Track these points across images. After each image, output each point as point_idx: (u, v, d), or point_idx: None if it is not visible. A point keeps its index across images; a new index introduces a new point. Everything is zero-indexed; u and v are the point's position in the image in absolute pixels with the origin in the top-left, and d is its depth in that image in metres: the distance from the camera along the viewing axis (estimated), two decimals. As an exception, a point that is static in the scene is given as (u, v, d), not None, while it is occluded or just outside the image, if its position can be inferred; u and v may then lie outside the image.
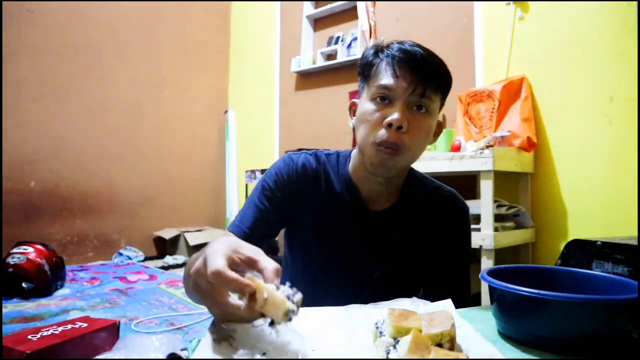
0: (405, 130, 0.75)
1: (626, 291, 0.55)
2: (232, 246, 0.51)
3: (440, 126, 0.86)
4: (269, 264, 0.50)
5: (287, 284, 0.51)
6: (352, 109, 0.87)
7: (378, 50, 0.81)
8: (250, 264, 0.51)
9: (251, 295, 0.47)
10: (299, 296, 0.49)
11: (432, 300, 0.82)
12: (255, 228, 0.82)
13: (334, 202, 0.86)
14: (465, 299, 0.91)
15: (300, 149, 1.02)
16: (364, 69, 0.83)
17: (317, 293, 0.75)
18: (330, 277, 0.88)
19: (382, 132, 0.75)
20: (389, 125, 0.74)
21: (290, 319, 0.48)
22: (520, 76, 2.07)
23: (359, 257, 0.87)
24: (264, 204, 0.85)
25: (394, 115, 0.74)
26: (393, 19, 2.78)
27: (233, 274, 0.46)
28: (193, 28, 3.97)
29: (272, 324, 0.49)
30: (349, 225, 0.86)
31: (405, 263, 0.88)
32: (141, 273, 2.96)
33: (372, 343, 0.54)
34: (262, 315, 0.48)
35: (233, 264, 0.49)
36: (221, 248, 0.50)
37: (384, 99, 0.77)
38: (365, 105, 0.80)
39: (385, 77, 0.77)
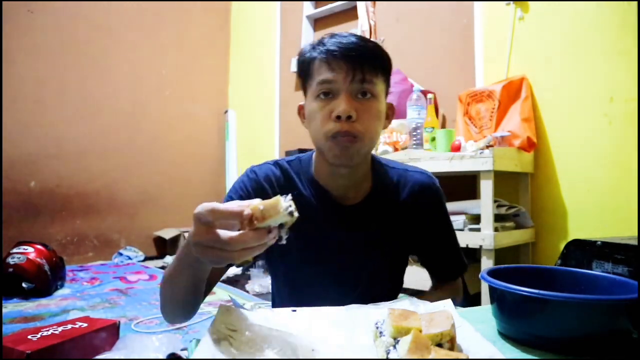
0: (355, 118, 0.76)
1: (626, 291, 0.55)
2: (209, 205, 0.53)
3: (392, 109, 0.87)
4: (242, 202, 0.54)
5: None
6: (301, 111, 0.87)
7: (312, 48, 0.82)
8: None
9: (250, 221, 0.50)
10: (288, 196, 0.53)
11: (436, 276, 0.95)
12: None
13: (304, 207, 0.78)
14: (462, 264, 0.95)
15: (300, 150, 1.03)
16: (302, 70, 0.83)
17: (306, 301, 0.76)
18: (316, 282, 0.87)
19: (333, 125, 0.76)
20: (338, 117, 0.75)
21: (292, 214, 0.52)
22: (520, 76, 2.07)
23: (341, 254, 0.86)
24: None
25: (341, 107, 0.75)
26: (393, 19, 2.78)
27: (226, 206, 0.51)
28: (193, 28, 3.97)
29: (281, 227, 0.53)
30: (324, 226, 0.85)
31: (390, 250, 0.89)
32: (141, 273, 2.96)
33: (372, 343, 0.54)
34: (269, 232, 0.52)
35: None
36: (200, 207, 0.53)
37: (327, 93, 0.78)
38: (312, 104, 0.80)
39: (324, 72, 0.78)
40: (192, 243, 0.54)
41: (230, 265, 0.78)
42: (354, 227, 0.86)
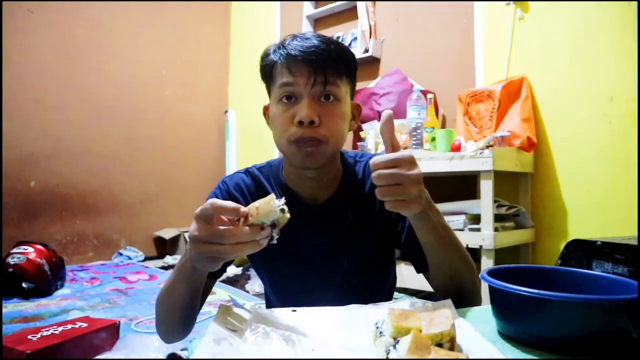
0: (318, 123, 0.74)
1: (626, 291, 0.55)
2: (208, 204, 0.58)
3: (359, 108, 0.86)
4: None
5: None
6: (266, 113, 0.87)
7: (273, 50, 0.80)
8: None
9: (245, 219, 0.56)
10: (282, 198, 0.59)
11: (418, 266, 0.84)
12: None
13: None
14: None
15: None
16: (264, 73, 0.83)
17: (291, 300, 0.80)
18: (297, 282, 0.87)
19: (295, 130, 0.75)
20: (301, 122, 0.74)
21: (284, 211, 0.57)
22: (520, 76, 2.07)
23: (316, 253, 0.86)
24: None
25: (303, 112, 0.73)
26: (393, 19, 2.78)
27: (225, 202, 0.57)
28: (193, 28, 3.97)
29: (274, 226, 0.58)
30: (297, 228, 0.78)
31: (365, 243, 0.86)
32: (141, 273, 2.96)
33: (372, 343, 0.54)
34: (262, 229, 0.57)
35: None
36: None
37: (290, 97, 0.76)
38: (274, 108, 0.79)
39: (284, 76, 0.76)
40: (190, 240, 0.59)
41: (223, 272, 0.84)
42: (324, 225, 0.85)
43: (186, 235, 3.51)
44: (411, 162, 0.61)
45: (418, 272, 0.86)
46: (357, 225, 0.86)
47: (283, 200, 0.58)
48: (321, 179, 0.83)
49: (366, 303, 0.67)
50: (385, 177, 0.60)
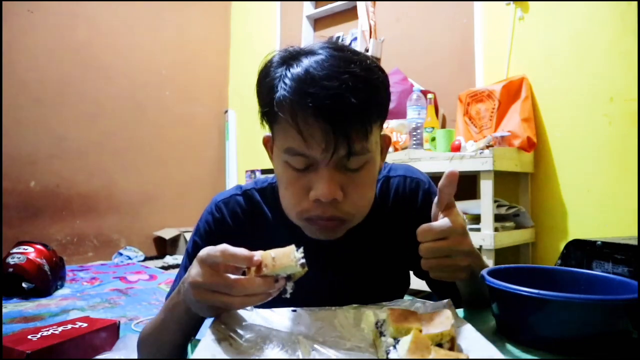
0: (342, 198, 0.59)
1: (626, 291, 0.55)
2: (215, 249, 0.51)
3: (388, 140, 0.70)
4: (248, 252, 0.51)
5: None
6: (268, 145, 0.71)
7: (277, 76, 0.58)
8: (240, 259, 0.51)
9: (258, 268, 0.50)
10: (301, 248, 0.51)
11: (437, 289, 0.79)
12: None
13: (278, 245, 0.60)
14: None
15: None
16: (264, 99, 0.61)
17: None
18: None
19: (312, 206, 0.59)
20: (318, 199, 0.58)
21: (303, 265, 0.50)
22: (520, 76, 2.07)
23: (324, 293, 0.71)
24: None
25: (319, 190, 0.57)
26: (393, 19, 2.78)
27: (237, 249, 0.50)
28: (193, 28, 3.97)
29: (289, 279, 0.52)
30: (310, 266, 0.61)
31: (381, 276, 0.77)
32: (141, 273, 2.96)
33: (372, 343, 0.54)
34: (276, 281, 0.51)
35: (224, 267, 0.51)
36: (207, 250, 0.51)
37: (301, 165, 0.59)
38: (280, 168, 0.62)
39: (294, 139, 0.56)
40: (191, 286, 0.51)
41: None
42: (334, 264, 0.74)
43: (186, 235, 3.52)
44: (462, 233, 0.55)
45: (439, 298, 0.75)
46: (373, 257, 0.75)
47: (302, 252, 0.50)
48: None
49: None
50: (434, 250, 0.54)
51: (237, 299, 0.50)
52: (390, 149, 2.16)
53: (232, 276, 0.50)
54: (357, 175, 0.60)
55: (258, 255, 0.50)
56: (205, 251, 0.51)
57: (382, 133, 0.67)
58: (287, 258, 0.50)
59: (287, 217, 0.67)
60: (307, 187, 0.59)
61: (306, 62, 0.57)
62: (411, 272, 0.86)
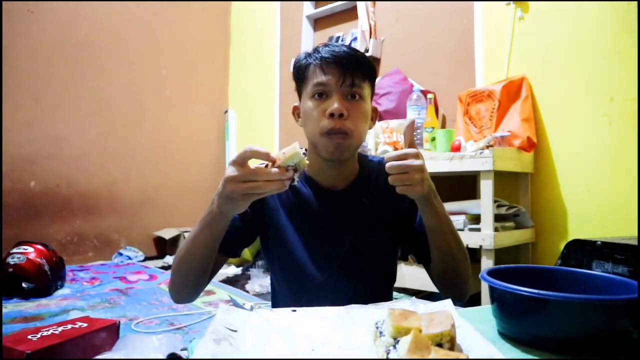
0: (347, 117, 0.86)
1: (626, 291, 0.55)
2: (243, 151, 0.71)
3: (376, 111, 0.98)
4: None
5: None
6: (296, 112, 0.99)
7: (307, 55, 0.92)
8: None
9: (273, 163, 0.69)
10: (304, 148, 0.76)
11: (422, 257, 0.96)
12: (228, 239, 0.86)
13: (296, 195, 0.96)
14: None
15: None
16: (297, 74, 0.94)
17: (299, 281, 0.92)
18: (308, 256, 0.94)
19: (327, 122, 0.86)
20: (331, 115, 0.85)
21: (305, 155, 0.70)
22: (520, 76, 2.07)
23: (332, 234, 0.94)
24: None
25: (334, 105, 0.85)
26: (393, 19, 2.78)
27: (260, 148, 0.69)
28: (193, 28, 3.97)
29: (295, 171, 0.70)
30: (315, 210, 0.95)
31: (377, 229, 0.96)
32: (141, 273, 2.96)
33: (372, 343, 0.54)
34: (287, 170, 0.69)
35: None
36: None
37: (321, 94, 0.88)
38: (307, 104, 0.91)
39: (319, 76, 0.88)
40: (226, 181, 0.70)
41: (237, 254, 0.96)
42: (340, 207, 0.95)
43: (186, 235, 3.52)
44: (415, 155, 0.77)
45: (419, 262, 0.99)
46: (368, 213, 0.96)
47: (304, 149, 0.71)
48: (341, 171, 0.95)
49: (365, 287, 0.80)
50: (395, 167, 0.76)
51: (261, 183, 0.68)
52: (391, 148, 2.16)
53: (255, 167, 0.70)
54: (356, 104, 0.89)
55: (273, 154, 0.69)
56: (235, 154, 0.70)
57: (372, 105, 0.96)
58: (294, 150, 0.69)
59: (305, 177, 0.96)
60: (324, 109, 0.87)
61: (327, 45, 0.91)
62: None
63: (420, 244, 0.93)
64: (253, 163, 0.72)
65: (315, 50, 0.92)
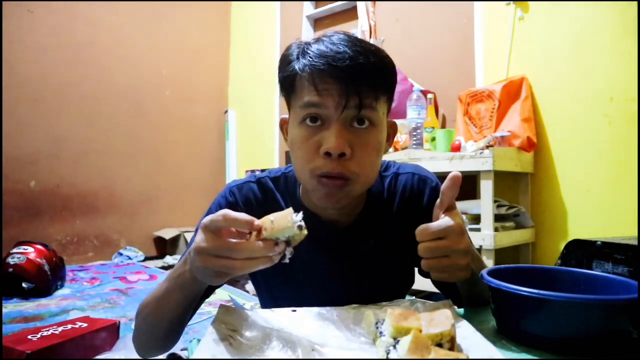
0: (350, 155, 0.63)
1: (626, 291, 0.55)
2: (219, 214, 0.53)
3: (394, 127, 0.75)
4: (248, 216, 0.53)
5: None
6: (284, 127, 0.74)
7: (295, 56, 0.66)
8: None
9: (258, 233, 0.52)
10: (300, 213, 0.53)
11: (444, 287, 0.78)
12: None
13: None
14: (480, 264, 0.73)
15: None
16: (283, 82, 0.69)
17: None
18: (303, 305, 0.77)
19: (321, 163, 0.63)
20: (327, 153, 0.62)
21: (301, 227, 0.52)
22: (520, 76, 2.07)
23: (332, 279, 0.77)
24: None
25: (330, 143, 0.61)
26: (393, 19, 2.78)
27: (238, 214, 0.52)
28: (193, 28, 3.97)
29: (288, 243, 0.53)
30: (312, 248, 0.67)
31: (388, 268, 0.79)
32: (141, 273, 2.96)
33: (372, 343, 0.54)
34: (276, 244, 0.52)
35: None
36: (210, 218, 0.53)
37: (315, 119, 0.64)
38: (295, 130, 0.67)
39: (309, 93, 0.63)
40: (196, 252, 0.53)
41: (218, 287, 0.71)
42: (342, 252, 0.77)
43: (186, 235, 3.52)
44: (460, 232, 0.58)
45: (443, 293, 0.79)
46: (378, 253, 0.78)
47: (301, 215, 0.53)
48: (344, 208, 0.73)
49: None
50: (432, 250, 0.57)
51: (238, 262, 0.51)
52: (391, 149, 2.16)
53: (234, 240, 0.52)
54: (364, 133, 0.64)
55: (258, 220, 0.52)
56: (208, 218, 0.53)
57: (389, 119, 0.72)
58: (285, 220, 0.52)
59: (300, 208, 0.67)
60: (318, 143, 0.63)
61: (321, 42, 0.64)
62: (416, 270, 0.86)
63: (446, 286, 0.76)
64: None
65: (305, 49, 0.65)
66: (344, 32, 0.66)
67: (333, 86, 0.62)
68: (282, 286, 0.79)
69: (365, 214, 0.77)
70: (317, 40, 0.65)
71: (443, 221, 0.57)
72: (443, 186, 0.60)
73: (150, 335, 0.69)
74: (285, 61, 0.68)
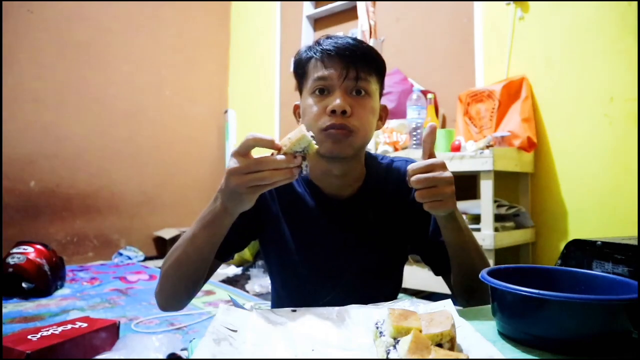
0: (350, 114, 0.78)
1: (626, 291, 0.55)
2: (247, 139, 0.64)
3: (386, 110, 0.90)
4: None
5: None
6: (297, 111, 0.90)
7: (308, 48, 0.84)
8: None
9: (278, 151, 0.63)
10: (310, 132, 0.64)
11: (437, 266, 0.89)
12: (224, 242, 0.75)
13: (298, 204, 0.88)
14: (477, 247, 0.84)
15: None
16: (298, 68, 0.86)
17: (298, 293, 0.84)
18: (308, 274, 0.88)
19: (327, 119, 0.78)
20: (333, 111, 0.77)
21: (314, 139, 0.63)
22: (520, 76, 2.07)
23: (335, 246, 0.87)
24: None
25: (336, 102, 0.77)
26: (393, 19, 2.78)
27: (264, 135, 0.63)
28: (193, 28, 3.97)
29: (304, 158, 0.64)
30: (317, 220, 0.87)
31: (384, 241, 0.89)
32: (141, 273, 2.96)
33: (372, 343, 0.54)
34: (294, 157, 0.63)
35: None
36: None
37: (323, 90, 0.80)
38: (307, 100, 0.82)
39: (320, 70, 0.80)
40: (229, 173, 0.64)
41: (230, 256, 0.87)
42: (346, 220, 0.88)
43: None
44: (443, 166, 0.68)
45: (437, 274, 0.91)
46: (376, 226, 0.88)
47: (311, 133, 0.64)
48: (346, 176, 0.86)
49: (368, 300, 0.68)
50: (423, 180, 0.67)
51: (267, 172, 0.61)
52: (391, 148, 2.16)
53: (260, 156, 0.62)
54: (362, 100, 0.80)
55: (278, 141, 0.63)
56: (237, 145, 0.64)
57: (381, 103, 0.88)
58: (300, 133, 0.62)
59: (308, 184, 0.88)
60: (325, 106, 0.79)
61: (330, 37, 0.83)
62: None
63: (437, 256, 0.86)
64: (257, 153, 0.63)
65: (317, 42, 0.83)
66: (346, 35, 0.86)
67: (337, 63, 0.79)
68: (291, 256, 0.88)
69: (364, 189, 0.89)
70: (326, 37, 0.83)
71: (429, 160, 0.69)
72: (423, 135, 0.74)
73: (176, 282, 0.76)
74: (300, 53, 0.86)
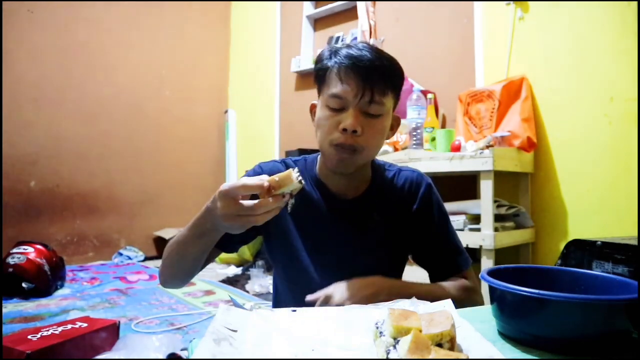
0: (360, 133, 0.81)
1: (626, 291, 0.55)
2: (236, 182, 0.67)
3: (398, 120, 0.93)
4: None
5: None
6: (313, 110, 0.93)
7: (329, 54, 0.86)
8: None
9: (267, 191, 0.65)
10: (296, 169, 0.68)
11: (435, 274, 0.94)
12: (229, 236, 0.81)
13: (306, 201, 0.92)
14: (461, 259, 0.94)
15: (300, 149, 1.06)
16: (317, 74, 0.89)
17: (302, 289, 0.85)
18: (312, 271, 0.91)
19: (338, 135, 0.82)
20: (344, 129, 0.81)
21: (301, 181, 0.67)
22: (520, 76, 2.07)
23: (340, 244, 0.91)
24: None
25: (347, 121, 0.80)
26: (393, 19, 2.78)
27: (250, 180, 0.66)
28: (193, 28, 3.97)
29: (291, 196, 0.68)
30: (324, 217, 0.92)
31: (387, 242, 0.93)
32: (141, 273, 2.96)
33: (372, 343, 0.54)
34: (283, 197, 0.67)
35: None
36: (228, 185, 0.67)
37: (337, 106, 0.83)
38: (322, 111, 0.86)
39: (335, 86, 0.82)
40: (221, 217, 0.67)
41: (234, 249, 0.94)
42: (351, 217, 0.92)
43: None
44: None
45: (433, 282, 0.94)
46: (380, 227, 0.92)
47: (297, 172, 0.67)
48: (352, 180, 0.91)
49: None
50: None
51: (258, 217, 0.66)
52: (391, 148, 2.16)
53: (250, 202, 0.66)
54: (373, 121, 0.83)
55: (266, 181, 0.66)
56: (226, 186, 0.67)
57: (394, 113, 0.90)
58: (289, 179, 0.66)
59: (317, 182, 0.94)
60: (338, 122, 0.82)
61: (349, 47, 0.84)
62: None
63: (434, 265, 0.93)
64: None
65: (336, 51, 0.85)
66: (368, 43, 0.87)
67: (353, 81, 0.81)
68: (295, 250, 0.92)
69: (369, 192, 0.93)
70: (347, 46, 0.85)
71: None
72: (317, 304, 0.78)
73: (175, 269, 0.87)
74: (319, 60, 0.89)
